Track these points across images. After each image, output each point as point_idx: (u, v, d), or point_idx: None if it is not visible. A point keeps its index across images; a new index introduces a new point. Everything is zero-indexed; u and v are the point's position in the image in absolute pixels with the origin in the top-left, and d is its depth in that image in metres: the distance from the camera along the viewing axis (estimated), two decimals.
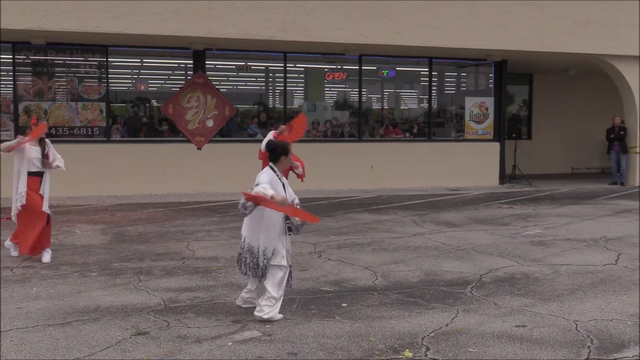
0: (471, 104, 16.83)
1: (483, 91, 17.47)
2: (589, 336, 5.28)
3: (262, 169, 5.97)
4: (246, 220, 5.73)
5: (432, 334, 5.29)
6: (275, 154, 5.77)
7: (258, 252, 5.63)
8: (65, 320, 5.55)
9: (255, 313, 5.60)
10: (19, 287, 6.61)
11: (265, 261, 5.62)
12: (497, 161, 16.69)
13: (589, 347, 5.05)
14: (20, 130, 13.54)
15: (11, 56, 13.69)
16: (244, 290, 5.99)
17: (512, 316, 5.79)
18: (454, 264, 7.80)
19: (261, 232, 5.65)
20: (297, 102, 16.76)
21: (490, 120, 16.87)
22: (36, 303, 6.06)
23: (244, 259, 5.70)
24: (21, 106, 13.80)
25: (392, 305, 6.08)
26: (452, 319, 5.68)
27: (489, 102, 16.87)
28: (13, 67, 13.75)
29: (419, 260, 8.03)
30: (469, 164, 16.31)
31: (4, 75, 13.97)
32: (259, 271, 5.62)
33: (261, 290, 5.73)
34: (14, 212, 7.93)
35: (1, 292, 6.41)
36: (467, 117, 16.80)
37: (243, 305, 5.96)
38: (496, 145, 16.75)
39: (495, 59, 16.26)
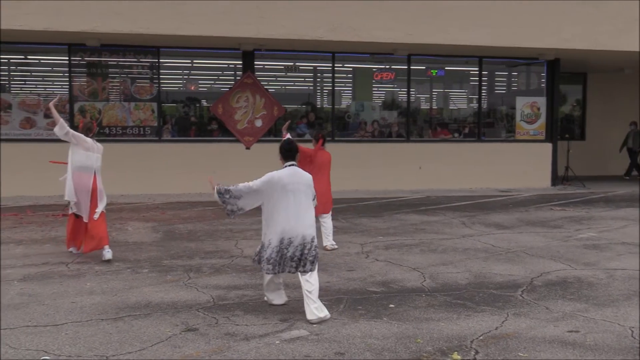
0: (522, 104, 16.53)
1: (535, 91, 17.13)
2: None
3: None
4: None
5: (481, 337, 5.21)
6: (292, 153, 5.93)
7: (312, 242, 5.72)
8: (117, 315, 5.68)
9: (321, 314, 5.52)
10: (74, 282, 6.79)
11: (316, 250, 5.76)
12: (549, 162, 16.34)
13: None
14: (75, 130, 13.92)
15: (67, 58, 14.09)
16: (274, 288, 5.98)
17: (565, 321, 5.66)
18: (504, 267, 7.67)
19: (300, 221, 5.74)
20: (345, 102, 16.75)
21: (542, 120, 16.53)
22: (90, 298, 6.22)
23: (292, 256, 5.69)
24: (76, 106, 14.18)
25: (441, 307, 6.01)
26: (502, 323, 5.58)
27: (541, 102, 16.54)
28: (69, 68, 14.15)
29: (468, 262, 7.92)
30: (519, 165, 16.02)
31: (60, 76, 14.40)
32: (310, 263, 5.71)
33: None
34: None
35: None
36: (518, 118, 16.50)
37: (284, 301, 6.01)
38: (548, 146, 16.40)
39: (548, 57, 15.93)
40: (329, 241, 8.54)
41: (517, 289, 6.70)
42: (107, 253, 7.77)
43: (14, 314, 5.67)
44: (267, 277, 5.93)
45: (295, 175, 5.78)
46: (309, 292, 5.61)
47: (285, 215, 5.67)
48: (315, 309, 5.54)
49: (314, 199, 5.95)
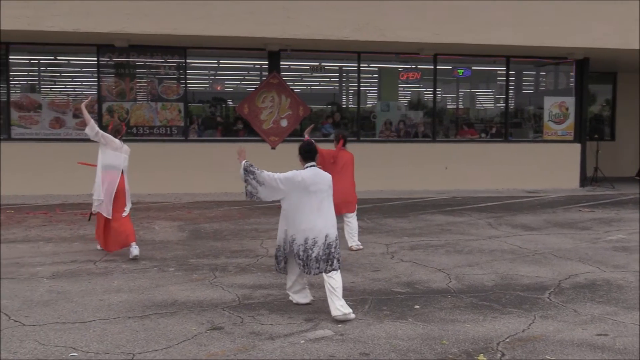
0: (550, 104, 16.33)
1: (563, 90, 16.90)
2: None
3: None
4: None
5: (507, 340, 5.16)
6: (311, 154, 6.02)
7: (336, 240, 5.82)
8: (144, 313, 5.73)
9: (346, 311, 5.53)
10: (102, 280, 6.88)
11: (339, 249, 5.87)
12: (577, 163, 16.12)
13: None
14: (103, 130, 14.09)
15: (95, 58, 14.27)
16: (299, 288, 6.02)
17: (593, 324, 5.57)
18: (531, 269, 7.58)
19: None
20: (371, 102, 16.72)
21: (570, 120, 16.31)
22: (117, 296, 6.29)
23: (321, 256, 5.72)
24: (104, 106, 14.36)
25: (466, 309, 5.97)
26: (529, 325, 5.52)
27: (570, 102, 16.32)
28: (97, 68, 14.33)
29: (495, 263, 7.85)
30: (547, 165, 15.83)
31: (89, 77, 14.60)
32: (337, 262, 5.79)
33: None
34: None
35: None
36: (546, 118, 16.31)
37: (309, 300, 6.04)
38: (577, 147, 16.18)
39: (577, 57, 15.71)
40: (354, 241, 8.53)
41: (545, 291, 6.62)
42: (135, 249, 7.86)
43: (43, 311, 5.76)
44: (292, 278, 5.96)
45: (317, 176, 5.84)
46: (334, 288, 5.62)
47: (309, 216, 5.72)
48: (341, 307, 5.54)
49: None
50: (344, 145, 8.70)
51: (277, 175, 5.77)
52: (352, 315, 5.57)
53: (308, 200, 5.73)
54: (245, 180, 5.82)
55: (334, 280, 5.67)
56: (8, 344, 4.92)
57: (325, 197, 5.82)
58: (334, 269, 5.71)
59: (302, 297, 6.04)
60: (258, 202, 12.80)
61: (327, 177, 5.93)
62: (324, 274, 5.73)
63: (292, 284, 6.01)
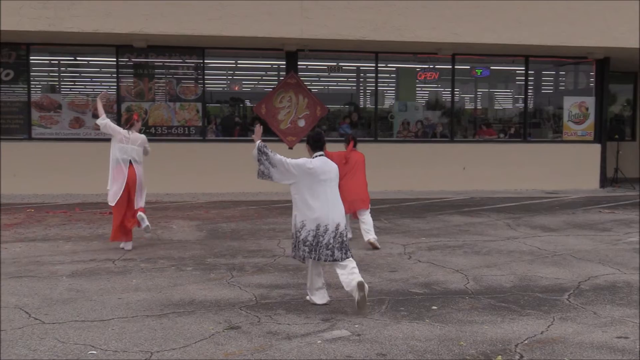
0: (570, 104, 16.18)
1: (583, 90, 16.75)
2: None
3: None
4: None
5: (526, 341, 5.12)
6: (319, 144, 6.18)
7: (346, 229, 6.07)
8: (162, 312, 5.76)
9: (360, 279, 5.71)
10: (120, 279, 6.93)
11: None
12: (597, 163, 15.96)
13: None
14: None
15: (115, 59, 14.39)
16: (318, 287, 6.05)
17: (613, 326, 5.51)
18: (550, 270, 7.51)
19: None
20: (388, 102, 16.68)
21: (590, 120, 16.15)
22: (136, 294, 6.33)
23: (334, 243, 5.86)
24: (123, 106, 14.47)
25: (484, 310, 5.93)
26: (548, 327, 5.47)
27: (590, 102, 16.16)
28: (116, 69, 14.45)
29: (513, 264, 7.79)
30: (567, 166, 15.68)
31: (108, 77, 14.72)
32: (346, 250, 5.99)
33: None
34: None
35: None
36: (565, 118, 16.17)
37: (326, 301, 6.06)
38: (597, 147, 16.01)
39: (597, 56, 15.55)
40: (371, 235, 8.64)
41: (564, 292, 6.56)
42: (143, 221, 8.27)
43: (62, 309, 5.82)
44: (311, 274, 6.01)
45: (326, 165, 6.01)
46: (352, 269, 5.85)
47: (320, 204, 5.85)
48: (355, 276, 5.76)
49: None
50: (354, 146, 8.97)
51: (289, 160, 5.92)
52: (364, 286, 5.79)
53: (318, 188, 5.87)
54: (258, 160, 5.95)
55: (351, 265, 5.89)
56: (28, 341, 4.98)
57: (334, 186, 6.01)
58: (348, 257, 5.90)
59: (319, 297, 6.04)
60: (276, 203, 12.85)
61: (334, 166, 6.11)
62: (338, 263, 5.86)
63: (311, 281, 6.05)
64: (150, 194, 13.46)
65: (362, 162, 8.95)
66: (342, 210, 6.01)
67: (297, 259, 6.06)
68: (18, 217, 10.84)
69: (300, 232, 5.89)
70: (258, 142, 5.99)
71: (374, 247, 8.50)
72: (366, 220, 8.73)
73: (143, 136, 8.58)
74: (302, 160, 5.94)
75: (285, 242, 8.95)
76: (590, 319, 5.71)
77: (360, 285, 5.64)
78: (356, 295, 5.65)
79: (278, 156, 5.92)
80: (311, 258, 5.90)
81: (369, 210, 8.83)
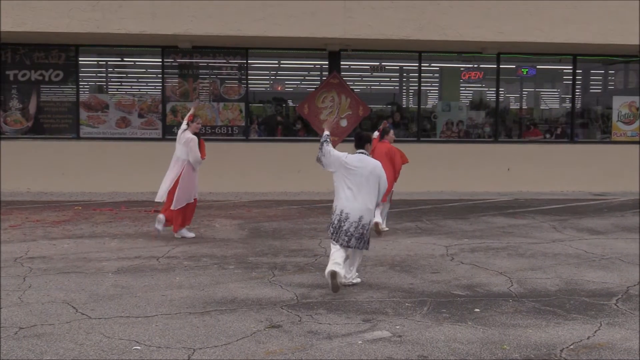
0: (619, 104, 15.77)
1: (633, 90, 16.29)
2: None
3: None
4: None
5: (571, 346, 5.01)
6: (362, 142, 6.91)
7: (369, 224, 6.68)
8: (204, 310, 5.83)
9: (334, 268, 6.26)
10: (164, 276, 7.03)
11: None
12: None
13: None
14: (167, 130, 14.46)
15: (160, 60, 14.62)
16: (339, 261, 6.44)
17: None
18: (598, 274, 7.33)
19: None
20: (432, 102, 16.53)
21: None
22: (179, 292, 6.42)
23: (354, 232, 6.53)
24: (168, 106, 14.70)
25: (528, 314, 5.82)
26: (595, 332, 5.34)
27: None
28: (162, 70, 14.69)
29: (558, 267, 7.63)
30: (615, 167, 15.27)
31: (154, 78, 14.98)
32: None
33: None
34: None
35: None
36: (614, 118, 15.76)
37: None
38: None
39: None
40: (379, 219, 8.97)
41: (612, 297, 6.39)
42: (157, 223, 8.98)
43: (108, 305, 5.94)
44: (335, 251, 6.50)
45: (361, 162, 6.63)
46: (355, 260, 6.71)
47: (346, 194, 6.57)
48: (334, 266, 6.27)
49: (382, 192, 6.73)
50: (381, 137, 9.72)
51: (333, 152, 6.71)
52: (353, 281, 6.67)
53: (348, 180, 6.57)
54: (320, 148, 6.75)
55: (359, 256, 6.77)
56: (75, 336, 5.09)
57: (364, 182, 6.55)
58: (365, 249, 6.65)
59: (331, 265, 6.40)
60: (317, 202, 12.88)
61: (371, 163, 6.65)
62: (351, 249, 6.57)
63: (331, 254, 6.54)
64: None
65: (387, 152, 9.48)
66: (368, 204, 6.55)
67: (329, 237, 6.70)
68: (66, 215, 11.11)
69: (332, 215, 6.66)
70: (326, 132, 6.87)
71: (377, 231, 8.58)
72: (383, 208, 9.36)
73: (189, 136, 9.10)
74: (341, 154, 6.67)
75: (326, 242, 8.96)
76: (639, 324, 5.55)
77: (331, 274, 6.24)
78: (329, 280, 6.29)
79: (330, 147, 6.72)
80: (333, 239, 6.53)
81: (386, 201, 9.41)
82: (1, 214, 10.92)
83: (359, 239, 6.48)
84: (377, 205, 7.11)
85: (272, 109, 16.04)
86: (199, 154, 9.12)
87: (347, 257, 6.56)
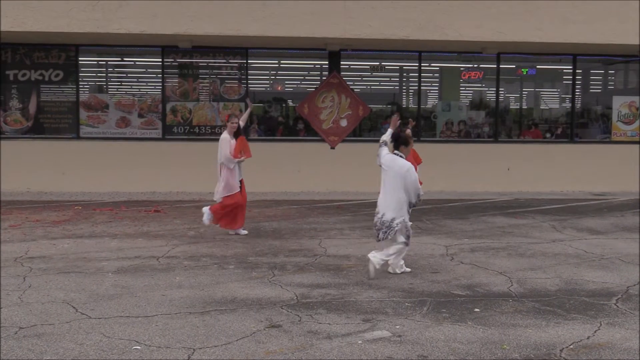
0: (619, 104, 15.78)
1: (633, 90, 16.29)
2: None
3: None
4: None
5: (571, 346, 5.01)
6: (397, 143, 7.28)
7: (391, 222, 7.13)
8: (204, 309, 5.83)
9: (374, 259, 6.95)
10: (164, 276, 7.04)
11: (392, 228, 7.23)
12: None
13: None
14: (167, 130, 14.46)
15: (160, 60, 14.62)
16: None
17: None
18: (597, 274, 7.34)
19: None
20: (432, 102, 16.53)
21: None
22: (179, 291, 6.42)
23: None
24: (168, 106, 14.70)
25: (528, 314, 5.83)
26: (595, 332, 5.34)
27: None
28: (162, 69, 14.69)
29: (558, 267, 7.63)
30: (615, 167, 15.27)
31: (154, 78, 14.98)
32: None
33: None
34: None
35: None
36: (614, 118, 15.77)
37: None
38: None
39: None
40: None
41: (612, 297, 6.40)
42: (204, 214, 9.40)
43: (108, 305, 5.94)
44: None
45: (392, 162, 7.11)
46: (387, 249, 7.09)
47: (381, 192, 7.16)
48: (377, 255, 6.97)
49: (414, 192, 7.08)
50: None
51: (381, 153, 7.24)
52: (397, 271, 7.21)
53: (383, 178, 7.14)
54: (380, 146, 7.34)
55: (395, 247, 7.12)
56: (75, 336, 5.10)
57: (391, 181, 7.02)
58: (384, 239, 7.05)
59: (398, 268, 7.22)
60: (317, 202, 12.88)
61: (400, 164, 7.03)
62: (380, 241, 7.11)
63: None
64: (193, 193, 13.67)
65: None
66: (393, 202, 6.99)
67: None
68: (66, 214, 11.11)
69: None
70: (388, 133, 7.41)
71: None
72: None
73: (221, 137, 9.51)
74: (382, 154, 7.23)
75: (326, 242, 8.96)
76: (639, 324, 5.55)
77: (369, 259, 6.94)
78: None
79: (380, 149, 7.30)
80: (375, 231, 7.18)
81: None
82: (1, 213, 10.93)
83: (385, 232, 7.00)
84: (413, 205, 7.23)
85: (272, 109, 16.02)
86: (227, 153, 9.34)
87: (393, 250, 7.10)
